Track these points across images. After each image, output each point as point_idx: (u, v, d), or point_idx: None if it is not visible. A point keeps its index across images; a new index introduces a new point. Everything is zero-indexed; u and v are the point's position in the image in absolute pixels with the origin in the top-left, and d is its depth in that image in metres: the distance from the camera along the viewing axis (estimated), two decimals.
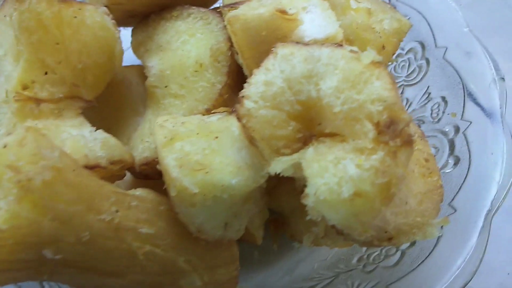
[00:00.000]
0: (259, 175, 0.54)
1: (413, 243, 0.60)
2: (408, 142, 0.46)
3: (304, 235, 0.67)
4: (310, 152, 0.49)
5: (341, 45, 0.50)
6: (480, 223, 0.55)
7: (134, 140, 0.69)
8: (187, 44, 0.70)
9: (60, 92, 0.64)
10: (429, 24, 0.76)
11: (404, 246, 0.60)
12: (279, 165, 0.50)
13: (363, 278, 0.64)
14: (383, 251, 0.63)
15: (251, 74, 0.61)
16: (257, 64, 0.61)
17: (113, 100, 0.75)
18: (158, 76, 0.70)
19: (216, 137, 0.57)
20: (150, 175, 0.66)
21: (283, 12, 0.58)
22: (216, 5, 0.87)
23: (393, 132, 0.46)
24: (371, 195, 0.45)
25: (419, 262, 0.57)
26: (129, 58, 0.79)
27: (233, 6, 0.65)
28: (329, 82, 0.48)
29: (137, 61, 0.80)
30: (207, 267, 0.58)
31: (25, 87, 0.61)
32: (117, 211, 0.53)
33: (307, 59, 0.50)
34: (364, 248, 0.66)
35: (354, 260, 0.65)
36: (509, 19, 1.03)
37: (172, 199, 0.54)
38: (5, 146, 0.47)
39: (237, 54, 0.64)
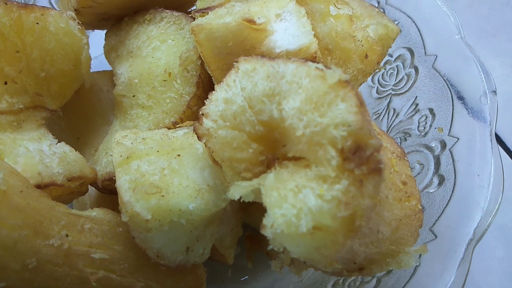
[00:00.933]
0: (221, 198, 0.50)
1: (389, 271, 0.55)
2: (377, 170, 0.42)
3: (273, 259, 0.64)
4: (270, 178, 0.45)
5: (306, 61, 0.46)
6: (461, 254, 0.51)
7: (99, 153, 0.66)
8: (158, 51, 0.66)
9: (21, 103, 0.61)
10: (419, 30, 0.71)
11: (380, 273, 0.56)
12: (238, 191, 0.46)
13: None
14: (359, 277, 0.59)
15: (219, 78, 0.57)
16: (221, 69, 0.57)
17: (82, 108, 0.72)
18: (126, 85, 0.66)
19: (178, 155, 0.53)
20: (113, 190, 0.62)
21: (251, 21, 0.53)
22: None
23: (359, 159, 0.42)
24: (333, 229, 0.41)
25: None
26: (104, 63, 0.76)
27: (204, 11, 0.61)
28: (292, 102, 0.44)
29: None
30: None
31: None
32: (67, 235, 0.49)
33: (269, 76, 0.46)
34: None
35: (330, 284, 0.61)
36: (508, 20, 0.97)
37: (127, 224, 0.50)
38: None
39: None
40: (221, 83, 0.49)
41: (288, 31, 0.57)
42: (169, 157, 0.53)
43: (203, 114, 0.49)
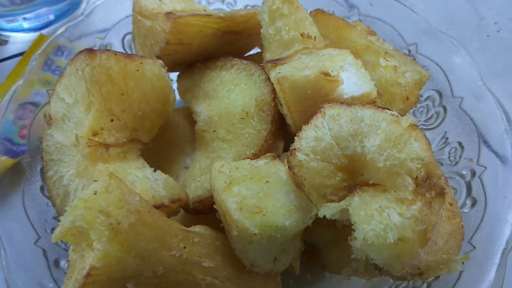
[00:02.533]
0: (307, 217, 0.62)
1: (437, 277, 0.67)
2: (441, 194, 0.55)
3: (338, 266, 0.75)
4: (356, 200, 0.57)
5: (382, 108, 0.59)
6: (497, 260, 0.63)
7: (186, 179, 0.77)
8: (232, 93, 0.78)
9: (124, 137, 0.72)
10: (446, 76, 0.85)
11: (430, 279, 0.68)
12: (329, 210, 0.58)
13: None
14: (410, 282, 0.70)
15: (295, 124, 0.70)
16: (301, 116, 0.70)
17: (162, 141, 0.83)
18: (206, 121, 0.78)
19: (267, 182, 0.65)
20: (201, 211, 0.73)
21: (327, 74, 0.66)
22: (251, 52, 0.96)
23: (428, 185, 0.54)
24: (412, 240, 0.52)
25: None
26: None
27: (275, 62, 0.74)
28: (372, 140, 0.57)
29: (180, 103, 0.88)
30: None
31: (95, 134, 0.69)
32: (184, 247, 0.60)
33: (352, 120, 0.59)
34: (391, 280, 0.74)
35: None
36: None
37: (232, 237, 0.61)
38: (95, 193, 0.54)
39: (280, 105, 0.72)
40: (309, 124, 0.61)
41: (351, 80, 0.70)
42: (260, 183, 0.64)
43: (295, 149, 0.61)
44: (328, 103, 0.62)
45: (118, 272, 0.54)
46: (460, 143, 0.80)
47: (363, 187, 0.59)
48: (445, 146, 0.82)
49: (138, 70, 0.73)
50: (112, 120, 0.70)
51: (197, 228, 0.65)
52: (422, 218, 0.53)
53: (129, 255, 0.54)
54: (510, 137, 0.73)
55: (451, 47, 0.87)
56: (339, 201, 0.59)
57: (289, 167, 0.62)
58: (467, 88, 0.82)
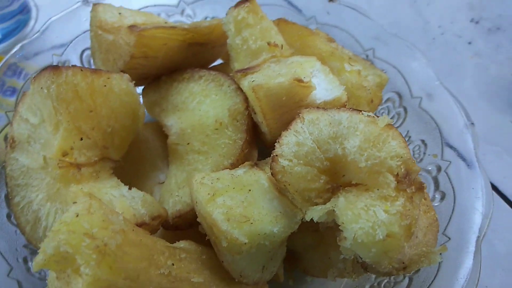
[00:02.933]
0: (293, 222, 0.62)
1: (418, 270, 0.70)
2: (420, 188, 0.57)
3: (320, 269, 0.76)
4: (342, 201, 0.58)
5: (357, 110, 0.61)
6: (473, 248, 0.67)
7: (163, 195, 0.75)
8: (203, 104, 0.77)
9: (95, 156, 0.69)
10: (404, 77, 0.90)
11: (411, 272, 0.70)
12: (316, 213, 0.59)
13: None
14: (392, 278, 0.73)
15: (271, 132, 0.71)
16: (277, 123, 0.70)
17: (133, 157, 0.80)
18: (179, 134, 0.76)
19: (249, 190, 0.65)
20: (181, 226, 0.72)
21: (300, 80, 0.67)
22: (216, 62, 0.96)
23: (409, 181, 0.57)
24: (399, 235, 0.54)
25: (427, 286, 0.67)
26: None
27: (245, 71, 0.75)
28: (352, 142, 0.58)
29: (147, 117, 0.86)
30: None
31: (64, 154, 0.66)
32: (172, 264, 0.58)
33: (331, 123, 0.60)
34: (374, 277, 0.75)
35: (367, 287, 0.75)
36: (458, 63, 1.21)
37: (220, 249, 0.60)
38: (77, 216, 0.52)
39: (254, 113, 0.72)
40: (289, 130, 0.62)
41: (321, 85, 0.71)
42: (243, 192, 0.64)
43: (277, 155, 0.61)
44: (306, 108, 0.63)
45: None
46: (423, 141, 0.84)
47: (346, 188, 0.60)
48: (409, 145, 0.86)
49: (105, 86, 0.70)
50: (81, 139, 0.68)
51: (182, 244, 0.64)
52: (406, 213, 0.55)
53: (119, 277, 0.52)
54: (470, 131, 0.78)
55: (406, 50, 0.92)
56: (324, 204, 0.60)
57: (272, 174, 0.62)
58: (424, 88, 0.86)
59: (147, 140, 0.83)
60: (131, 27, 0.77)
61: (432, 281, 0.67)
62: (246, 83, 0.71)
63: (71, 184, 0.65)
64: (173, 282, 0.58)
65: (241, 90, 0.75)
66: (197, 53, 0.86)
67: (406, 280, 0.70)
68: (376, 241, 0.54)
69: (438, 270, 0.68)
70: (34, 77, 0.67)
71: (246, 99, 0.73)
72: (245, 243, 0.58)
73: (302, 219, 0.62)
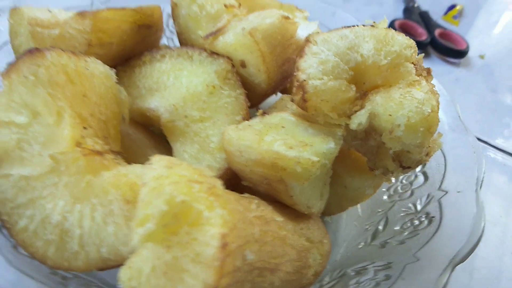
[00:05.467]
0: (337, 138, 0.64)
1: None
2: (429, 72, 0.66)
3: (338, 204, 0.78)
4: (378, 99, 0.62)
5: (351, 26, 0.66)
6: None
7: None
8: (182, 78, 0.73)
9: (105, 145, 0.60)
10: None
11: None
12: (359, 119, 0.62)
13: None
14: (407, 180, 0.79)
15: (269, 77, 0.72)
16: (274, 66, 0.72)
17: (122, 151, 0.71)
18: (171, 111, 0.71)
19: (283, 127, 0.64)
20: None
21: (287, 17, 0.70)
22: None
23: (420, 67, 0.65)
24: (436, 109, 0.61)
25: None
26: None
27: (214, 34, 0.75)
28: (366, 47, 0.64)
29: None
30: (318, 241, 0.64)
31: (78, 144, 0.56)
32: (257, 207, 0.55)
33: (341, 37, 0.64)
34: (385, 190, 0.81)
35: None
36: None
37: (289, 183, 0.58)
38: (170, 168, 0.45)
39: (243, 67, 0.72)
40: (304, 56, 0.64)
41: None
42: (278, 129, 0.63)
43: (305, 80, 0.63)
44: (295, 45, 0.66)
45: (243, 237, 0.45)
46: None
47: (372, 92, 0.65)
48: None
49: (87, 69, 0.62)
50: (85, 128, 0.58)
51: (246, 195, 0.59)
52: (432, 91, 0.63)
53: (235, 218, 0.46)
54: None
55: None
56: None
57: (303, 100, 0.63)
58: None
59: (127, 134, 0.74)
60: (81, 13, 0.70)
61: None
62: (235, 32, 0.70)
63: (102, 173, 0.55)
64: (266, 224, 0.54)
65: (216, 53, 0.74)
66: (145, 37, 0.81)
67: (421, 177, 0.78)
68: (425, 116, 0.60)
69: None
70: (7, 70, 0.55)
71: (227, 58, 0.73)
72: (318, 161, 0.58)
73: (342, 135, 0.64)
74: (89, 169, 0.54)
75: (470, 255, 0.57)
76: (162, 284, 0.45)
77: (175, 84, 0.73)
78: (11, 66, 0.55)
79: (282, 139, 0.60)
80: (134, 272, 0.48)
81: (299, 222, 0.62)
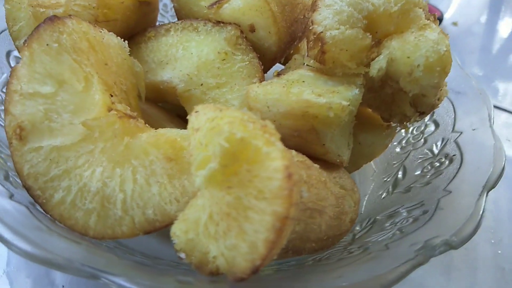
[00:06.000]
0: (358, 85, 0.65)
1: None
2: (435, 18, 0.68)
3: (354, 162, 0.79)
4: (394, 44, 0.64)
5: None
6: None
7: None
8: (191, 49, 0.73)
9: (132, 111, 0.59)
10: None
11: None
12: (378, 65, 0.63)
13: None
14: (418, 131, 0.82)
15: (280, 38, 0.73)
16: (284, 26, 0.73)
17: None
18: (186, 81, 0.70)
19: (303, 81, 0.65)
20: None
21: None
22: None
23: (427, 12, 0.67)
24: (449, 48, 0.64)
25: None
26: None
27: (218, 2, 0.75)
28: None
29: None
30: (351, 189, 0.65)
31: (109, 109, 0.54)
32: (298, 155, 0.55)
33: None
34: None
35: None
36: None
37: (321, 130, 0.59)
38: (220, 110, 0.45)
39: (253, 31, 0.73)
40: (318, 9, 0.65)
41: None
42: (300, 83, 0.64)
43: (322, 32, 0.64)
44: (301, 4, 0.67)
45: (299, 174, 0.45)
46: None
47: (386, 38, 0.67)
48: None
49: (103, 38, 0.61)
50: (111, 95, 0.57)
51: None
52: (443, 32, 0.65)
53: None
54: None
55: None
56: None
57: (322, 52, 0.64)
58: None
59: (142, 109, 0.73)
60: None
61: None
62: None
63: (139, 134, 0.54)
64: (308, 168, 0.55)
65: (221, 22, 0.74)
66: (145, 13, 0.80)
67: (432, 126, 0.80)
68: (441, 56, 0.62)
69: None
70: (27, 40, 0.53)
71: (234, 24, 0.73)
72: (348, 105, 0.59)
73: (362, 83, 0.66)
74: (126, 132, 0.53)
75: (499, 180, 0.60)
76: (223, 228, 0.45)
77: (185, 55, 0.73)
78: (30, 36, 0.53)
79: (307, 89, 0.61)
80: (190, 224, 0.47)
81: (331, 171, 0.63)
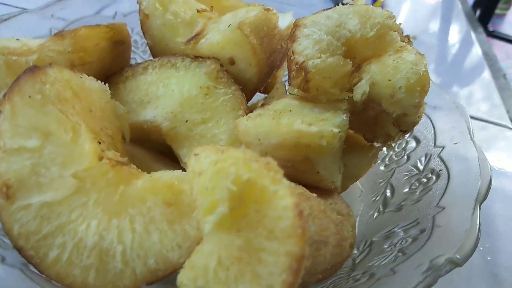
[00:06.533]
0: (344, 110, 0.66)
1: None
2: (408, 37, 0.71)
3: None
4: (374, 68, 0.65)
5: (327, 8, 0.70)
6: None
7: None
8: (172, 86, 0.72)
9: (121, 156, 0.57)
10: None
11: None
12: (361, 89, 0.65)
13: None
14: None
15: (260, 69, 0.73)
16: (264, 58, 0.73)
17: None
18: (170, 119, 0.69)
19: (290, 111, 0.65)
20: None
21: (268, 9, 0.72)
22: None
23: (401, 34, 0.70)
24: (426, 68, 0.66)
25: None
26: None
27: (195, 38, 0.75)
28: (352, 23, 0.67)
29: None
30: (347, 214, 0.65)
31: (100, 158, 0.53)
32: (297, 186, 0.55)
33: (327, 17, 0.67)
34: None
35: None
36: None
37: (315, 158, 0.60)
38: (222, 152, 0.44)
39: (232, 64, 0.73)
40: (297, 40, 0.66)
41: None
42: (287, 113, 0.64)
43: (304, 61, 0.64)
44: (296, 24, 0.68)
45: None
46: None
47: (365, 63, 0.68)
48: None
49: (85, 84, 0.59)
50: (99, 142, 0.55)
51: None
52: (419, 53, 0.67)
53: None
54: None
55: None
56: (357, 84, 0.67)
57: (306, 81, 0.65)
58: None
59: (128, 153, 0.71)
60: (59, 33, 0.67)
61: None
62: (220, 30, 0.71)
63: (133, 181, 0.52)
64: (307, 199, 0.54)
65: (199, 57, 0.74)
66: (120, 53, 0.79)
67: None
68: (420, 76, 0.64)
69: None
70: (8, 91, 0.51)
71: (214, 58, 0.73)
72: (339, 131, 0.59)
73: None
74: (120, 180, 0.51)
75: (489, 192, 0.62)
76: (234, 273, 0.43)
77: (166, 92, 0.72)
78: (10, 89, 0.51)
79: (296, 119, 0.61)
80: (198, 271, 0.46)
81: (327, 198, 0.63)
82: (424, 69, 0.64)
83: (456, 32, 1.98)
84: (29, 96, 0.50)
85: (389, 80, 0.64)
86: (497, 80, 1.48)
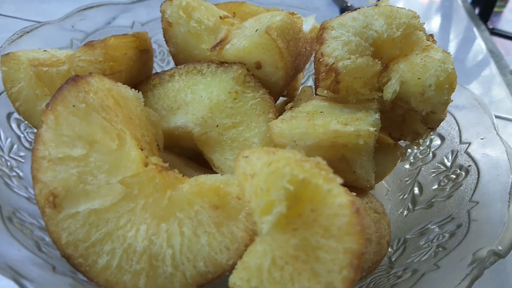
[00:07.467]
0: (375, 110, 0.67)
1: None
2: (432, 35, 0.72)
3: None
4: (403, 67, 0.66)
5: (354, 9, 0.71)
6: None
7: None
8: (200, 91, 0.73)
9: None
10: None
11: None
12: (392, 88, 0.66)
13: None
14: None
15: (287, 72, 0.74)
16: (290, 61, 0.74)
17: None
18: (201, 124, 0.70)
19: (321, 112, 0.66)
20: None
21: (293, 13, 0.73)
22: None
23: (425, 33, 0.71)
24: (453, 66, 0.67)
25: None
26: None
27: (220, 44, 0.75)
28: (378, 24, 0.68)
29: None
30: (382, 212, 0.66)
31: (146, 164, 0.53)
32: None
33: (354, 18, 0.68)
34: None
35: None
36: None
37: (353, 158, 0.60)
38: (273, 153, 0.44)
39: (259, 68, 0.73)
40: (325, 42, 0.67)
41: None
42: (320, 114, 0.65)
43: (333, 64, 0.65)
44: (323, 26, 0.69)
45: None
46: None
47: (392, 62, 0.69)
48: None
49: (122, 91, 0.60)
50: (141, 149, 0.55)
51: None
52: (445, 51, 0.68)
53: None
54: None
55: None
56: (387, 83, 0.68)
57: (336, 82, 0.65)
58: None
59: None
60: (89, 43, 0.67)
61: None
62: (247, 35, 0.71)
63: (179, 186, 0.53)
64: None
65: (225, 62, 0.74)
66: (146, 61, 0.80)
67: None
68: (449, 73, 0.65)
69: None
70: (51, 101, 0.51)
71: (240, 63, 0.74)
72: (374, 130, 0.60)
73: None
74: (167, 185, 0.52)
75: None
76: (289, 272, 0.44)
77: (195, 98, 0.72)
78: (53, 99, 0.51)
79: (332, 119, 0.62)
80: (251, 271, 0.46)
81: (363, 197, 0.64)
82: (452, 67, 0.65)
83: (457, 30, 1.99)
84: (73, 106, 0.51)
85: (419, 78, 0.65)
86: (505, 77, 1.50)
